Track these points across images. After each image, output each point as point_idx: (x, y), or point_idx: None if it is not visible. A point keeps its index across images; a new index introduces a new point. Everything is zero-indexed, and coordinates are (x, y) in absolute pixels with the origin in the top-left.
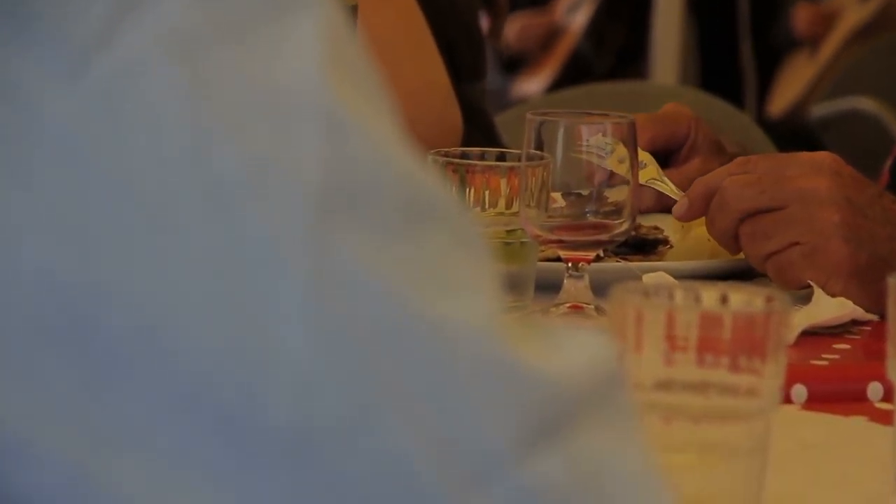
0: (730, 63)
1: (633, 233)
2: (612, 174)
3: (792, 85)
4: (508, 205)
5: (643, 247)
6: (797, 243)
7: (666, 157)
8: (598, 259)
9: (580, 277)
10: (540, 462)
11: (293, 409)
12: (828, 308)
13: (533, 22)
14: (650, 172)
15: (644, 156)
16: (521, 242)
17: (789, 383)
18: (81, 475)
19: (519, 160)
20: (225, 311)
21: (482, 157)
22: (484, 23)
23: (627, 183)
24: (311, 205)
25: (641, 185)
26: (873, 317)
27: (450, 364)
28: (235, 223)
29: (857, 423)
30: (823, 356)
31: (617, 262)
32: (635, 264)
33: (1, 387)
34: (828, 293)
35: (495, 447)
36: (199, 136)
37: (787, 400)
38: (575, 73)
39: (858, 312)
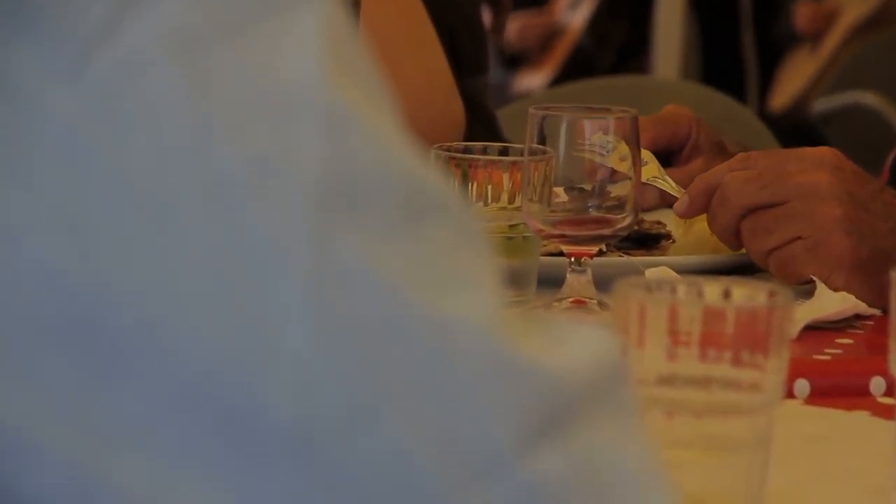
0: (731, 58)
1: (635, 227)
2: (614, 169)
3: (793, 80)
4: (511, 199)
5: (646, 241)
6: (799, 238)
7: (667, 158)
8: (600, 254)
9: (583, 272)
10: (541, 459)
11: (294, 407)
12: (830, 303)
13: (531, 22)
14: (651, 170)
15: (645, 154)
16: (524, 237)
17: (792, 378)
18: (82, 475)
19: (521, 155)
20: (225, 310)
21: (484, 151)
22: (486, 17)
23: (630, 178)
24: (312, 203)
25: (643, 183)
26: (876, 311)
27: (451, 361)
28: (236, 221)
29: (860, 418)
30: (826, 351)
31: (619, 256)
32: (638, 259)
33: (1, 386)
34: (830, 288)
35: (497, 444)
36: (199, 135)
37: (790, 395)
38: (577, 67)
39: (861, 307)
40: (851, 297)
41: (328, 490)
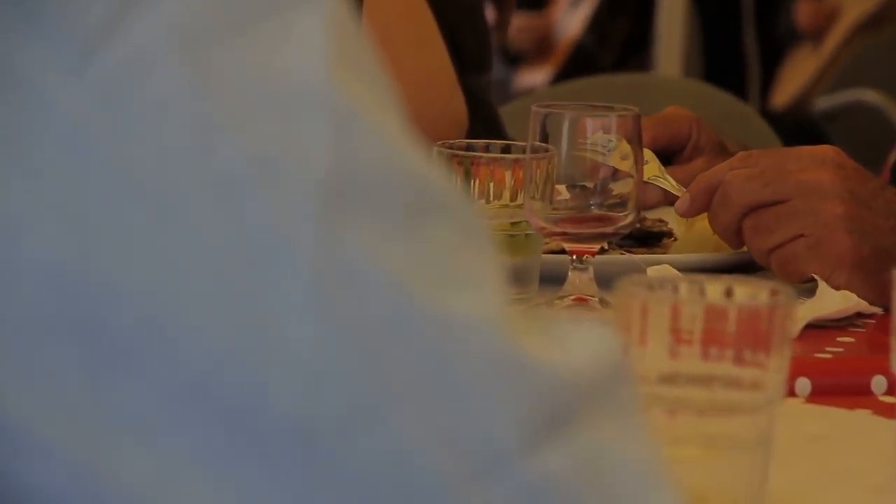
0: (733, 55)
1: (637, 225)
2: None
3: (795, 77)
4: (513, 197)
5: (648, 239)
6: (800, 236)
7: (668, 158)
8: (602, 251)
9: (584, 270)
10: (543, 458)
11: (296, 405)
12: (832, 301)
13: (529, 24)
14: (652, 169)
15: (646, 153)
16: (526, 234)
17: (793, 376)
18: (86, 471)
19: (524, 152)
20: (230, 305)
21: (487, 149)
22: (489, 14)
23: (632, 176)
24: (317, 200)
25: (644, 182)
26: (877, 310)
27: (454, 358)
28: (240, 219)
29: (861, 417)
30: (827, 349)
31: (621, 254)
32: (640, 257)
33: (3, 382)
34: (831, 286)
35: (498, 444)
36: (203, 131)
37: (792, 393)
38: (579, 65)
39: (863, 305)
40: (853, 296)
41: (329, 488)
